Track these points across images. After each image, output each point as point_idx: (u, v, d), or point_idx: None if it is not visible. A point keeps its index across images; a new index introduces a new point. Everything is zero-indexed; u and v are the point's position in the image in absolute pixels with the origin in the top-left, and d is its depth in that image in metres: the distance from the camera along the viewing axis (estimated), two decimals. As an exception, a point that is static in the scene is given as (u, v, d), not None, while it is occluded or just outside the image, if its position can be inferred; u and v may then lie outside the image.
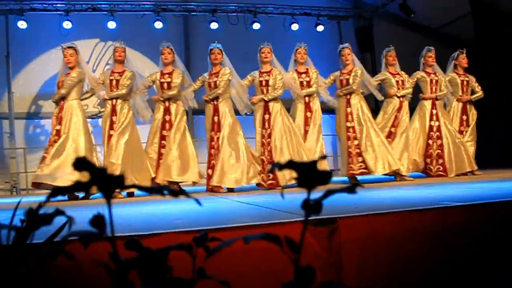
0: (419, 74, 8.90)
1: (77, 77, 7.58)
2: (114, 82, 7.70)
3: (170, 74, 7.96)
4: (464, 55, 9.14)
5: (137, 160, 7.64)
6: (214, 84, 7.88)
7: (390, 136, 8.38)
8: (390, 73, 8.64)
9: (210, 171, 7.79)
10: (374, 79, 8.68)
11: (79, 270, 2.15)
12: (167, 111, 7.87)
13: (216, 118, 7.85)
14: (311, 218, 1.14)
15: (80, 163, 1.00)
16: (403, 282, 2.78)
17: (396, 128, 8.41)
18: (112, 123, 7.63)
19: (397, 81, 8.56)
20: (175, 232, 2.59)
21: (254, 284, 2.46)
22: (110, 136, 7.59)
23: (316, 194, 1.11)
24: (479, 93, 9.18)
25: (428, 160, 8.63)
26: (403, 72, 8.72)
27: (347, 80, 8.31)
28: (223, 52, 8.03)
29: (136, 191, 7.54)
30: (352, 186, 1.10)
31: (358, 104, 8.24)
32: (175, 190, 1.12)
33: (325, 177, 1.06)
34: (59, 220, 1.52)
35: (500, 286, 2.85)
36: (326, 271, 2.61)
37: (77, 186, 1.09)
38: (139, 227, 3.16)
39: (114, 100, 7.67)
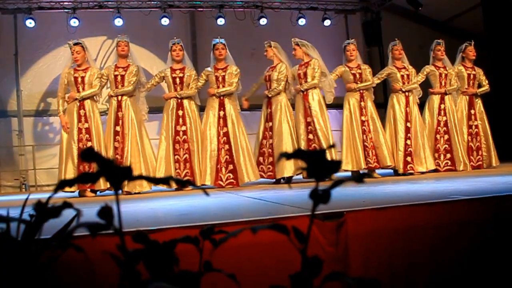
0: (428, 68, 8.85)
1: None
2: (119, 77, 7.68)
3: (181, 70, 7.97)
4: (472, 47, 9.03)
5: (144, 156, 7.64)
6: (223, 78, 7.93)
7: (409, 131, 8.38)
8: (396, 67, 8.61)
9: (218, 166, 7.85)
10: (379, 74, 8.71)
11: (88, 265, 2.16)
12: (180, 106, 7.89)
13: (222, 113, 7.90)
14: (319, 212, 1.14)
15: (88, 154, 1.00)
16: (410, 275, 2.77)
17: (411, 123, 8.43)
18: (117, 119, 7.61)
19: (402, 76, 8.52)
20: (182, 227, 2.59)
21: (261, 278, 2.46)
22: (116, 132, 7.60)
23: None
24: (486, 87, 9.07)
25: (436, 155, 8.59)
26: (410, 67, 8.68)
27: (360, 74, 8.37)
28: (227, 47, 8.07)
29: (141, 189, 7.55)
30: (361, 176, 1.09)
31: (370, 99, 8.41)
32: (181, 180, 1.12)
33: (334, 166, 1.06)
34: (68, 214, 1.53)
35: (505, 281, 2.85)
36: (333, 265, 2.61)
37: (85, 177, 1.09)
38: (146, 222, 3.16)
39: (119, 96, 7.66)
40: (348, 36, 14.44)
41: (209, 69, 8.12)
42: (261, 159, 8.13)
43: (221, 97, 7.94)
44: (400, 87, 8.48)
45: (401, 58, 8.67)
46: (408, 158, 8.28)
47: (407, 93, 8.50)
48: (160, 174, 7.66)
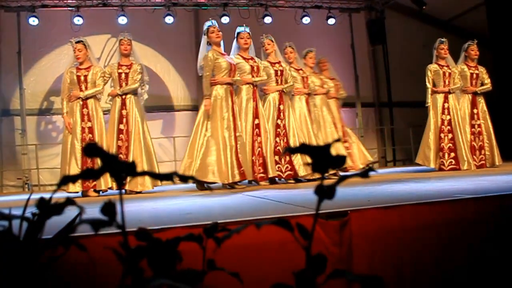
0: (432, 67, 8.86)
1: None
2: (123, 75, 7.67)
3: (228, 55, 7.70)
4: (475, 45, 9.04)
5: (148, 154, 7.62)
6: (257, 68, 7.77)
7: (345, 135, 9.52)
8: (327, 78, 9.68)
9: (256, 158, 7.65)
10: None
11: (89, 264, 2.15)
12: (232, 95, 7.51)
13: (254, 104, 7.69)
14: (323, 211, 1.13)
15: (92, 150, 1.00)
16: (415, 275, 2.77)
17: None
18: (121, 117, 7.61)
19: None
20: (186, 226, 2.59)
21: (264, 277, 2.46)
22: (119, 130, 7.59)
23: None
24: (487, 86, 9.08)
25: (441, 154, 8.60)
26: (336, 78, 9.87)
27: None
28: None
29: (143, 189, 7.51)
30: (366, 171, 1.09)
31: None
32: (184, 176, 1.11)
33: (339, 161, 1.05)
34: (71, 214, 1.52)
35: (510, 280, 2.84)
36: (337, 265, 2.60)
37: (89, 173, 1.08)
38: (150, 221, 3.16)
39: (124, 94, 7.66)
40: (352, 34, 14.46)
41: (233, 57, 7.78)
42: (276, 158, 7.77)
43: (254, 87, 7.76)
44: (334, 95, 9.58)
45: (326, 70, 9.74)
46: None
47: (340, 101, 9.78)
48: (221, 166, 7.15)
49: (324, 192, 1.05)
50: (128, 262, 1.06)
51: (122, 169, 1.01)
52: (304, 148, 1.06)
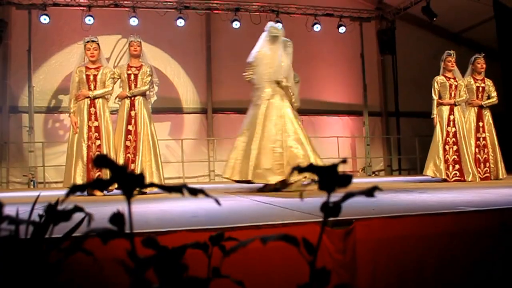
0: (438, 79, 8.86)
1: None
2: (132, 76, 7.69)
3: None
4: (481, 59, 9.02)
5: (155, 156, 7.63)
6: None
7: None
8: None
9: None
10: None
11: (97, 267, 2.16)
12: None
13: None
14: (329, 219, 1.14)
15: (101, 161, 1.01)
16: (418, 284, 2.77)
17: None
18: (130, 117, 7.62)
19: None
20: (191, 230, 2.60)
21: (268, 284, 2.47)
22: (128, 131, 7.60)
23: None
24: (493, 99, 9.07)
25: (445, 166, 8.60)
26: None
27: None
28: None
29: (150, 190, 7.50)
30: (371, 189, 1.10)
31: None
32: (194, 189, 1.12)
33: (345, 180, 1.06)
34: (78, 216, 1.53)
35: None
36: (340, 272, 2.61)
37: (98, 183, 1.09)
38: (154, 224, 3.16)
39: (133, 96, 7.69)
40: (363, 43, 14.48)
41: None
42: None
43: None
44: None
45: None
46: None
47: None
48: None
49: (330, 210, 1.06)
50: (136, 275, 1.07)
51: (131, 181, 1.02)
52: (310, 168, 1.07)
